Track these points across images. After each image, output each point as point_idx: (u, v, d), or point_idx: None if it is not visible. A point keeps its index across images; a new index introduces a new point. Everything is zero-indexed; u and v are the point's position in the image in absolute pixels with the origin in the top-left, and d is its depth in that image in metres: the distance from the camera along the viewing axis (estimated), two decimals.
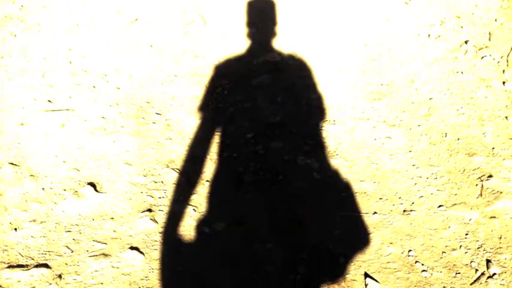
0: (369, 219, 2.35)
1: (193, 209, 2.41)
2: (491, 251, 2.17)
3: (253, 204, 2.44)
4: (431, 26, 3.88)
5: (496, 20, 3.85)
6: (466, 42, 3.63)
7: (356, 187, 2.53)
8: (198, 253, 2.20)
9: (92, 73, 3.40)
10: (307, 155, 2.74)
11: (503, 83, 3.22)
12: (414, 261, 2.14)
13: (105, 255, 2.18)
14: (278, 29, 3.95)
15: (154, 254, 2.20)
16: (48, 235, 2.26)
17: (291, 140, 2.84)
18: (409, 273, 2.10)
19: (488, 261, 2.13)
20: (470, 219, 2.32)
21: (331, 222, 2.33)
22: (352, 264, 2.14)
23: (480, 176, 2.56)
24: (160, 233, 2.30)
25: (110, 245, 2.23)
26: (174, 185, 2.54)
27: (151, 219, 2.35)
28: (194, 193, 2.51)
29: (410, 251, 2.19)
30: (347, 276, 2.10)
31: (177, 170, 2.64)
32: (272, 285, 2.06)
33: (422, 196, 2.46)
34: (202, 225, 2.34)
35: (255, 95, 3.25)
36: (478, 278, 2.06)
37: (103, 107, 3.09)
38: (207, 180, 2.58)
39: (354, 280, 2.08)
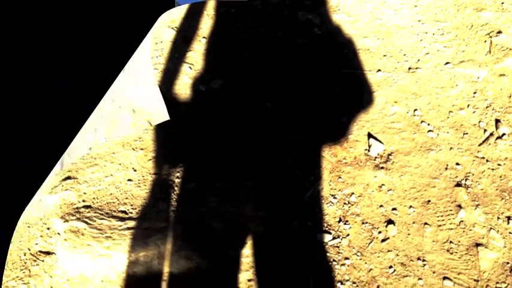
0: (372, 77, 1.78)
1: (189, 67, 1.83)
2: (501, 110, 1.65)
3: (251, 62, 1.85)
4: None
5: None
6: None
7: (359, 43, 1.91)
8: (194, 112, 1.68)
9: None
10: (307, 9, 2.06)
11: None
12: (420, 121, 1.63)
13: None
14: None
15: None
16: None
17: None
18: (414, 133, 1.60)
19: (497, 121, 1.62)
20: (478, 77, 1.76)
21: (333, 80, 1.77)
22: (354, 124, 1.63)
23: (489, 32, 1.93)
24: None
25: None
26: (170, 43, 1.91)
27: None
28: (190, 50, 1.89)
29: (415, 110, 1.66)
30: (349, 136, 1.60)
31: (175, 28, 1.98)
32: (272, 148, 1.57)
33: (428, 53, 1.86)
34: (198, 83, 1.77)
35: None
36: (487, 139, 1.57)
37: None
38: (203, 37, 1.95)
39: (357, 141, 1.59)
